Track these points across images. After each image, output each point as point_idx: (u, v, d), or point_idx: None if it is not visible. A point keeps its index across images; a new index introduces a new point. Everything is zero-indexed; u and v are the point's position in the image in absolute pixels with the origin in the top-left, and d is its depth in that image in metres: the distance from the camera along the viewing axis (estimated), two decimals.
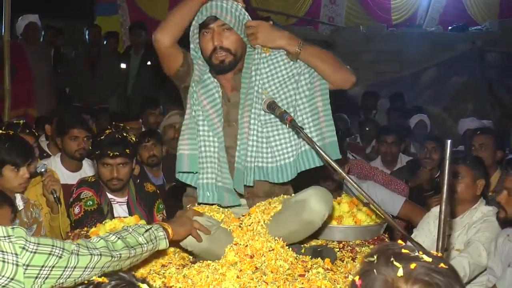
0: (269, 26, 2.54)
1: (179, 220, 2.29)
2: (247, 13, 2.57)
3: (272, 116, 2.51)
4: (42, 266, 1.62)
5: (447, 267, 1.18)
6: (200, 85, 2.57)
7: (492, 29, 9.42)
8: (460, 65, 8.71)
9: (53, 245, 1.67)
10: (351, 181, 2.17)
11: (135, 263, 1.98)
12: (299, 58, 2.53)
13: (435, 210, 3.18)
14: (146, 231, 2.00)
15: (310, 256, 2.39)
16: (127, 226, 2.03)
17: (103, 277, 1.37)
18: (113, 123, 3.40)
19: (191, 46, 2.59)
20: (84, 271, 1.73)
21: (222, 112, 2.57)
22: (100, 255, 1.78)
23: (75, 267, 1.70)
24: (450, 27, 9.77)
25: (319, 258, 2.37)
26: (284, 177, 2.53)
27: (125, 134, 3.26)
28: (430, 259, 1.19)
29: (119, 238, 1.89)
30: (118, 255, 1.83)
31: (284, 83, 2.55)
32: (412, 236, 3.14)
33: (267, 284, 2.07)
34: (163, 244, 2.08)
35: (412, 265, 1.17)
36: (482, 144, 4.35)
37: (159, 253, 2.42)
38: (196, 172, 2.57)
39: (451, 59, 8.78)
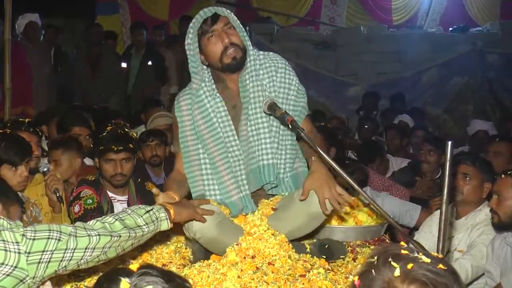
0: (319, 186, 2.30)
1: (182, 202, 2.27)
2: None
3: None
4: (43, 251, 1.65)
5: (445, 268, 1.19)
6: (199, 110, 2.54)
7: (493, 31, 9.40)
8: (460, 66, 8.69)
9: (50, 230, 1.69)
10: (352, 183, 2.17)
11: (137, 244, 1.96)
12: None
13: (438, 212, 3.17)
14: (147, 212, 1.98)
15: (318, 252, 2.37)
16: (127, 208, 2.01)
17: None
18: (112, 121, 3.44)
19: (191, 59, 2.54)
20: (85, 252, 1.74)
21: (230, 119, 2.54)
22: (99, 235, 1.78)
23: (75, 249, 1.72)
24: (451, 28, 9.74)
25: (315, 257, 2.36)
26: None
27: (126, 130, 3.29)
28: (428, 260, 1.19)
29: (116, 219, 1.88)
30: (118, 235, 1.83)
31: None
32: (414, 238, 3.14)
33: (268, 284, 2.07)
34: (165, 225, 2.04)
35: (409, 265, 1.17)
36: (498, 152, 4.31)
37: (159, 253, 2.43)
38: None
39: (451, 60, 8.76)
